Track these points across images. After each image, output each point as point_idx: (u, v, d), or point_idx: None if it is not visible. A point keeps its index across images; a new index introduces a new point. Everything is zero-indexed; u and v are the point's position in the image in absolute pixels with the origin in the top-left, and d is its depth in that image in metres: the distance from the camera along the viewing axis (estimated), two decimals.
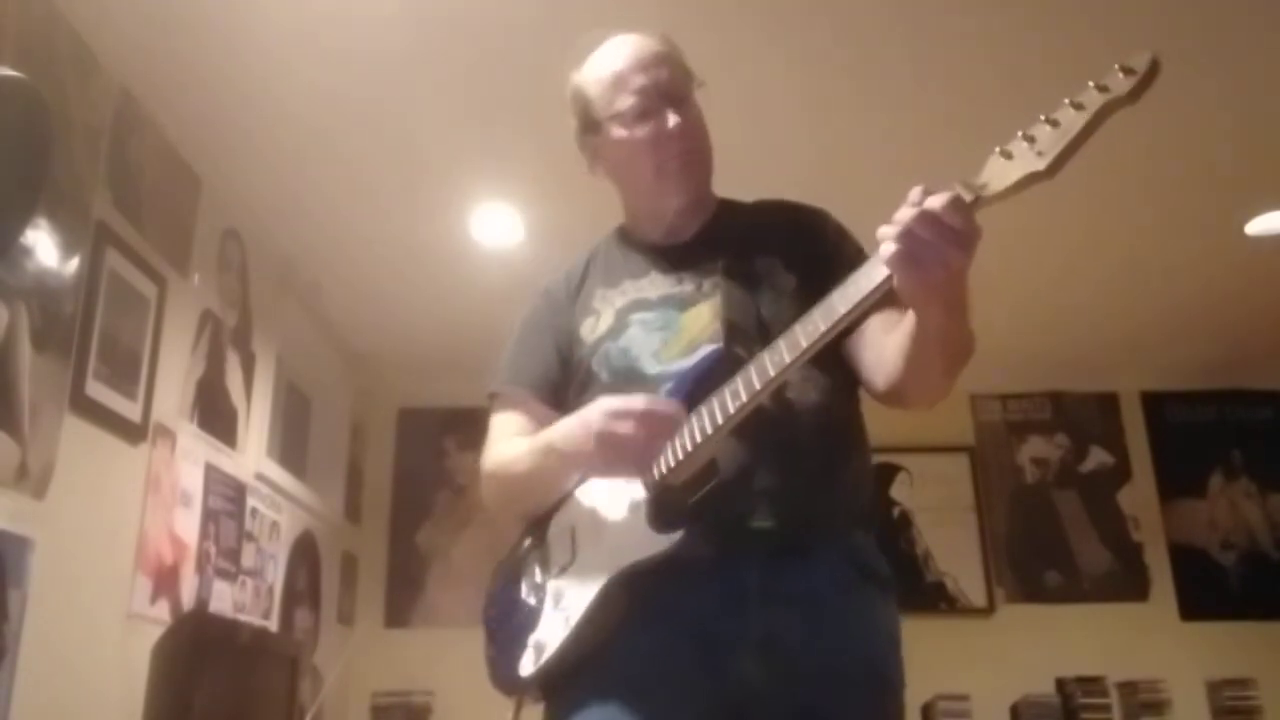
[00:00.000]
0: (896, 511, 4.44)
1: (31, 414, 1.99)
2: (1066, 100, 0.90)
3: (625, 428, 1.12)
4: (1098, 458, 4.53)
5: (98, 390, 2.23)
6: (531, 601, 1.26)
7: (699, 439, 1.11)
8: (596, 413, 1.14)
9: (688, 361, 1.20)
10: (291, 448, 3.83)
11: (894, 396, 1.21)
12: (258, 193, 2.98)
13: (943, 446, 4.48)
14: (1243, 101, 2.64)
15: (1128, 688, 4.00)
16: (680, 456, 1.12)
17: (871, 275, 1.01)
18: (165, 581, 2.52)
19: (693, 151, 1.34)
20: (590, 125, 1.38)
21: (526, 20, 2.28)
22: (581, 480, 1.26)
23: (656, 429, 1.12)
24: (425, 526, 4.33)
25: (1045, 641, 4.14)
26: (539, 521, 1.32)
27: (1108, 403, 4.59)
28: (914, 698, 4.19)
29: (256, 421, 3.19)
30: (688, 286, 1.31)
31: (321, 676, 3.67)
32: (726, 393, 1.11)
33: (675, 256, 1.35)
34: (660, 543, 1.11)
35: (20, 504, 1.95)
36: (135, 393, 2.41)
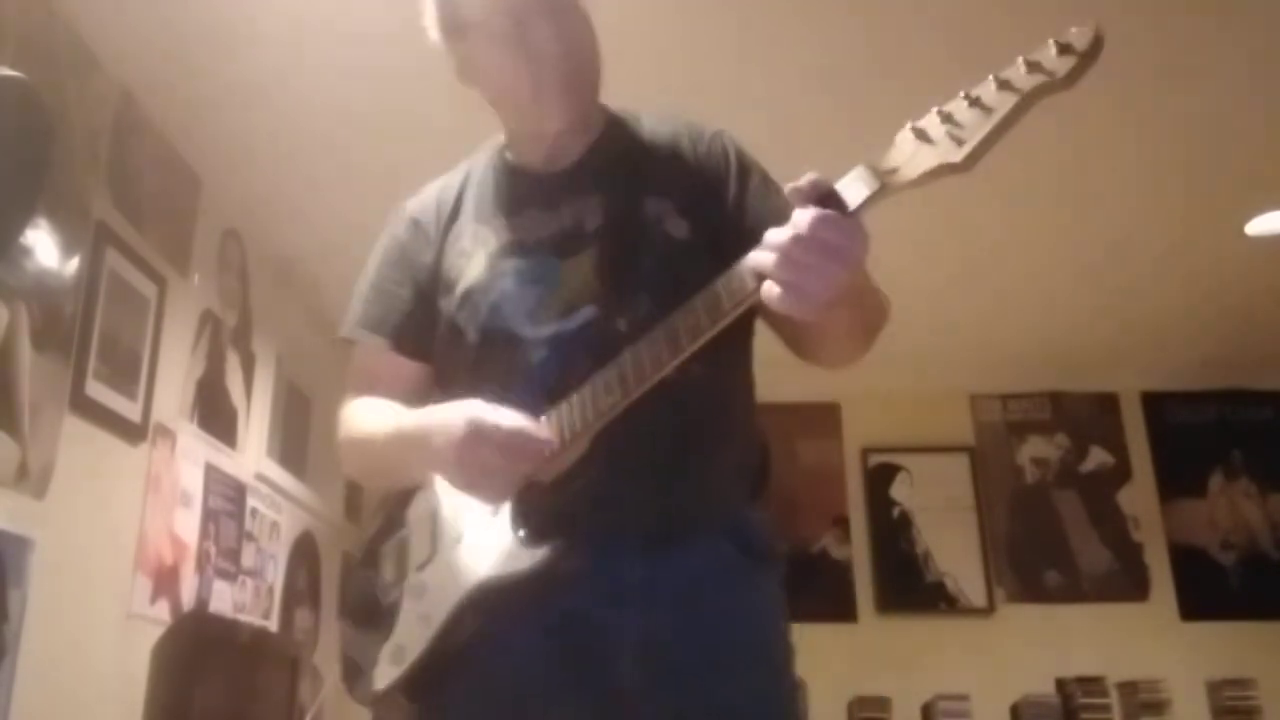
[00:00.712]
0: (896, 511, 4.44)
1: (31, 414, 1.99)
2: (992, 76, 0.80)
3: (487, 452, 0.99)
4: (1098, 458, 4.53)
5: (98, 390, 2.23)
6: (388, 598, 1.15)
7: (568, 436, 1.02)
8: (461, 423, 1.01)
9: (565, 325, 1.09)
10: (291, 448, 3.82)
11: (819, 361, 1.15)
12: (258, 193, 2.98)
13: (943, 446, 4.48)
14: (1243, 101, 2.64)
15: (1128, 688, 4.00)
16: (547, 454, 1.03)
17: (760, 262, 0.91)
18: (165, 581, 2.51)
19: (575, 69, 1.17)
20: (455, 30, 1.20)
21: None
22: None
23: (522, 457, 1.00)
24: None
25: (1045, 641, 4.14)
26: (400, 496, 1.20)
27: (1108, 403, 4.59)
28: (914, 698, 4.19)
29: (256, 421, 3.19)
30: (567, 225, 1.16)
31: (321, 676, 3.66)
32: (600, 384, 1.00)
33: (556, 186, 1.19)
34: (524, 559, 1.02)
35: (20, 504, 1.95)
36: (135, 393, 2.41)
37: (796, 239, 0.86)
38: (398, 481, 1.20)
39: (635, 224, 1.14)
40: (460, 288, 1.18)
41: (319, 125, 2.67)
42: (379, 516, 1.24)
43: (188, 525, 2.67)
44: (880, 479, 4.48)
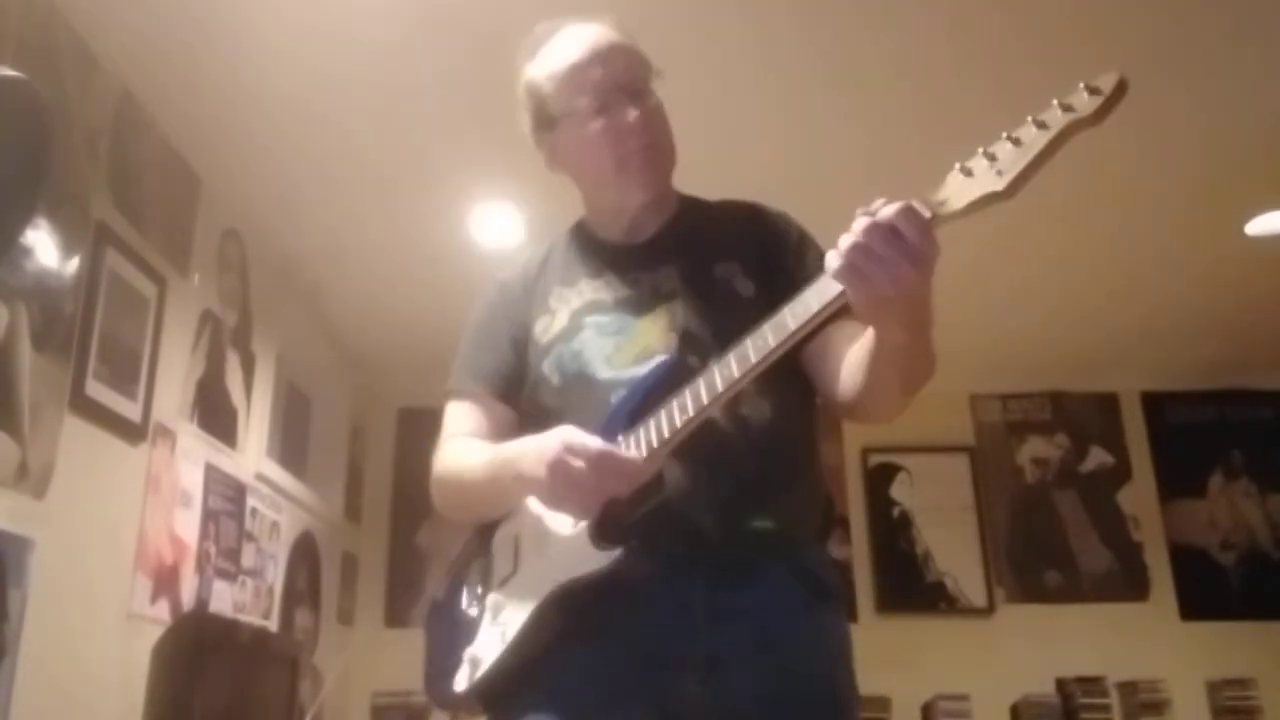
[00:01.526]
0: (896, 511, 4.44)
1: (31, 414, 1.99)
2: (1029, 118, 0.89)
3: (578, 465, 1.07)
4: (1098, 458, 4.53)
5: (98, 390, 2.23)
6: (471, 613, 1.24)
7: (644, 453, 1.09)
8: (555, 441, 1.10)
9: (640, 369, 1.17)
10: (291, 448, 3.83)
11: (849, 410, 1.19)
12: (258, 192, 2.98)
13: (943, 446, 4.49)
14: (1242, 102, 2.64)
15: (1128, 688, 4.00)
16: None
17: (825, 290, 0.98)
18: (165, 581, 2.51)
19: (654, 146, 1.30)
20: (546, 122, 1.33)
21: (527, 19, 2.28)
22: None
23: (609, 474, 1.07)
24: (425, 526, 4.34)
25: (1045, 641, 4.14)
26: (485, 528, 1.29)
27: (1108, 403, 4.59)
28: (914, 698, 4.19)
29: (256, 421, 3.19)
30: (644, 289, 1.28)
31: (321, 676, 3.67)
32: (674, 406, 1.08)
33: (634, 257, 1.32)
34: (600, 560, 1.08)
35: (20, 504, 1.95)
36: (135, 393, 2.41)
37: (875, 224, 0.92)
38: (488, 509, 1.28)
39: (706, 284, 1.26)
40: (545, 340, 1.29)
41: (320, 125, 2.67)
42: (469, 541, 1.32)
43: (188, 525, 2.67)
44: (880, 479, 4.48)
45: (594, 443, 1.08)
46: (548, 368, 1.27)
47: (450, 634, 1.25)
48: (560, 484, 1.08)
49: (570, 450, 1.08)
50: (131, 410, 2.39)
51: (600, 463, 1.07)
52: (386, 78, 2.48)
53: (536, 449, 1.11)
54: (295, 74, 2.46)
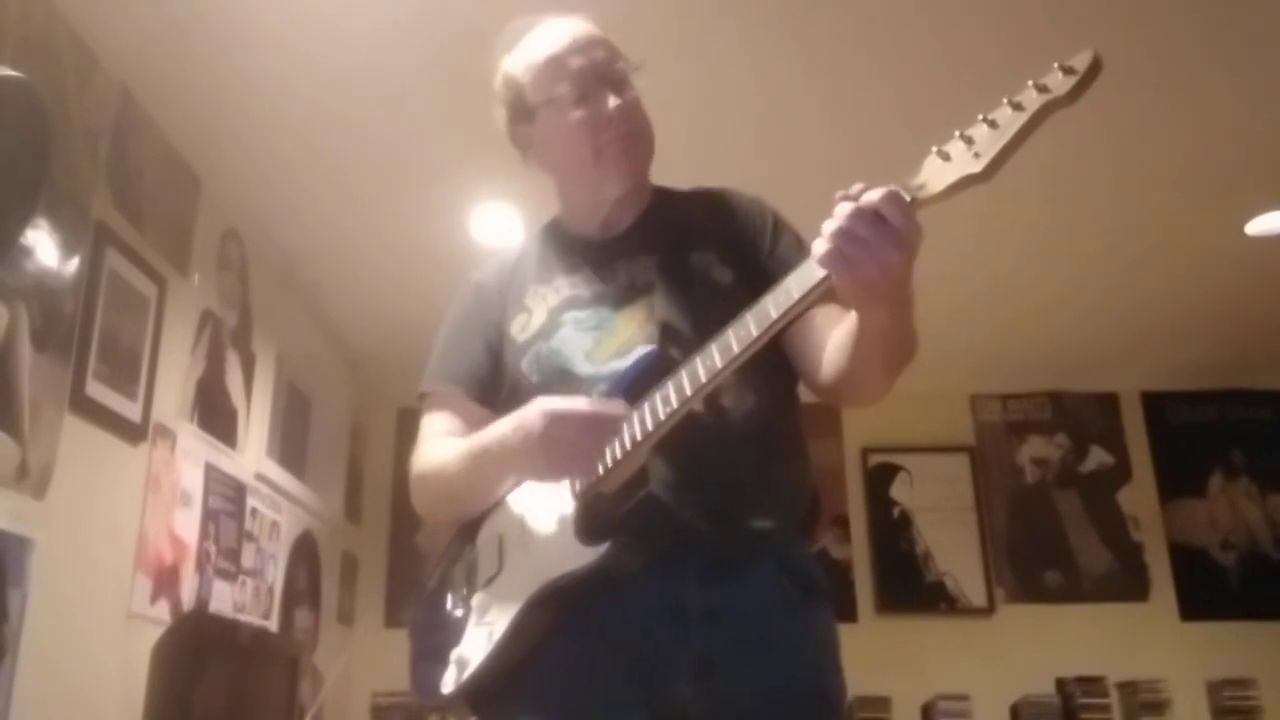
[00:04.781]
0: (896, 511, 4.44)
1: (31, 414, 1.99)
2: (1005, 99, 0.89)
3: (571, 431, 1.08)
4: (1098, 458, 4.53)
5: (98, 390, 2.23)
6: (457, 613, 1.22)
7: (628, 446, 1.08)
8: (536, 415, 1.10)
9: (622, 363, 1.16)
10: (291, 448, 3.83)
11: (833, 393, 1.18)
12: (258, 193, 2.98)
13: (943, 446, 4.49)
14: (1243, 101, 2.64)
15: (1128, 688, 4.00)
16: (609, 464, 1.09)
17: (807, 276, 0.98)
18: (165, 581, 2.52)
19: (634, 135, 1.28)
20: (523, 114, 1.32)
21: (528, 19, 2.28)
22: (514, 486, 1.21)
23: (602, 430, 1.08)
24: (425, 527, 4.33)
25: (1045, 641, 4.15)
26: (469, 528, 1.28)
27: (1108, 403, 4.59)
28: (914, 698, 4.18)
29: (256, 421, 3.19)
30: (621, 283, 1.27)
31: (321, 676, 3.67)
32: (657, 398, 1.07)
33: (610, 251, 1.30)
34: (586, 555, 1.07)
35: (20, 504, 1.95)
36: (135, 393, 2.41)
37: (859, 210, 0.91)
38: (471, 500, 1.27)
39: (683, 274, 1.24)
40: (522, 339, 1.29)
41: (320, 125, 2.67)
42: (453, 541, 1.32)
43: (188, 525, 2.67)
44: (880, 479, 4.48)
45: (576, 404, 1.10)
46: (526, 366, 1.26)
47: (436, 635, 1.23)
48: (555, 452, 1.08)
49: (557, 416, 1.08)
50: (131, 410, 2.39)
51: (590, 420, 1.08)
52: (386, 78, 2.48)
53: (518, 427, 1.12)
54: (295, 74, 2.45)
